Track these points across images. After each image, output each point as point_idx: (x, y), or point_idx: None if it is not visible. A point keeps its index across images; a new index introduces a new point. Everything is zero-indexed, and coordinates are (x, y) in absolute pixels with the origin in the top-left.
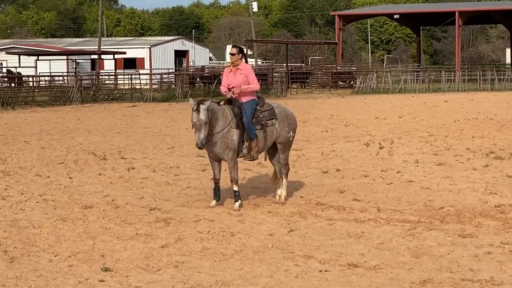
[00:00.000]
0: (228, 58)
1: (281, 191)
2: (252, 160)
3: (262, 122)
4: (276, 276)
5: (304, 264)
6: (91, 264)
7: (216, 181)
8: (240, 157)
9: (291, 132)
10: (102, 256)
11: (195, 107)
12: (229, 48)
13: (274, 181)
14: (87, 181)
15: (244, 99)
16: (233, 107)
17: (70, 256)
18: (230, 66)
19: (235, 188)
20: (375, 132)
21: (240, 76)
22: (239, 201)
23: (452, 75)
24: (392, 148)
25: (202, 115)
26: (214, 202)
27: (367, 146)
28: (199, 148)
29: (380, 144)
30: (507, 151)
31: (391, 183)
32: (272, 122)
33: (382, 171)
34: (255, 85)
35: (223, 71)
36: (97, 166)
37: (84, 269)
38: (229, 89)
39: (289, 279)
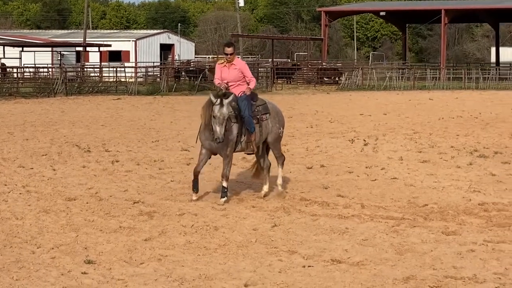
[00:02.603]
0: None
1: (278, 180)
2: (252, 153)
3: (258, 116)
4: (259, 271)
5: (287, 259)
6: (74, 256)
7: (197, 174)
8: (238, 151)
9: (281, 128)
10: (85, 248)
11: (217, 101)
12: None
13: (257, 176)
14: (70, 173)
15: (238, 93)
16: (231, 101)
17: (53, 248)
18: (223, 62)
19: (225, 184)
20: (359, 129)
21: (235, 72)
22: (225, 197)
23: (437, 73)
24: (376, 145)
25: (226, 109)
26: (195, 195)
27: (352, 143)
28: (219, 142)
29: (364, 140)
30: (491, 150)
31: (375, 180)
32: (266, 117)
33: (366, 167)
34: (253, 80)
35: (209, 65)
36: (81, 158)
37: (67, 261)
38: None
39: (272, 274)
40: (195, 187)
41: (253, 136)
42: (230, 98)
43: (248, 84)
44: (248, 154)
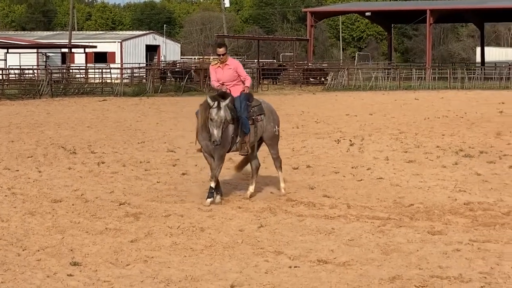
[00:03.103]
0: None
1: (281, 184)
2: (247, 154)
3: (253, 117)
4: (245, 271)
5: (273, 260)
6: (60, 258)
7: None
8: (232, 151)
9: (276, 127)
10: (71, 250)
11: (215, 104)
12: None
13: (240, 169)
14: (56, 175)
15: (236, 94)
16: (228, 102)
17: (38, 250)
18: (217, 63)
19: (213, 184)
20: (345, 129)
21: (229, 71)
22: (211, 199)
23: (423, 73)
24: (362, 145)
25: (223, 112)
26: (209, 201)
27: (338, 143)
28: (217, 145)
29: (350, 141)
30: (477, 149)
31: (361, 180)
32: (261, 118)
33: (352, 167)
34: (248, 78)
35: (195, 66)
36: (66, 160)
37: (52, 263)
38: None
39: (259, 275)
40: (218, 190)
41: (247, 137)
42: (227, 100)
43: (243, 83)
44: (242, 155)
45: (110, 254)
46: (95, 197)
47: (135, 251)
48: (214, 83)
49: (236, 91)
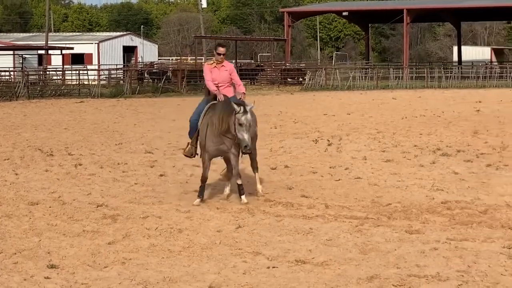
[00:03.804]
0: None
1: (257, 185)
2: (249, 153)
3: None
4: (223, 272)
5: (252, 260)
6: (37, 261)
7: (206, 180)
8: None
9: (256, 127)
10: (48, 253)
11: (241, 109)
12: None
13: (228, 178)
14: (33, 178)
15: (231, 95)
16: (253, 106)
17: (15, 253)
18: (212, 62)
19: (239, 181)
20: (323, 129)
21: (225, 73)
22: (244, 194)
23: (400, 72)
24: (340, 145)
25: (250, 116)
26: (198, 200)
27: (316, 143)
28: (248, 150)
29: (328, 140)
30: (454, 148)
31: (339, 180)
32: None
33: (330, 167)
34: (242, 84)
35: (172, 67)
36: (43, 162)
37: (29, 266)
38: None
39: (237, 275)
40: (202, 193)
41: None
42: (251, 104)
43: (234, 86)
44: (245, 153)
45: (88, 256)
46: (72, 199)
47: (113, 253)
48: (210, 84)
49: (228, 93)
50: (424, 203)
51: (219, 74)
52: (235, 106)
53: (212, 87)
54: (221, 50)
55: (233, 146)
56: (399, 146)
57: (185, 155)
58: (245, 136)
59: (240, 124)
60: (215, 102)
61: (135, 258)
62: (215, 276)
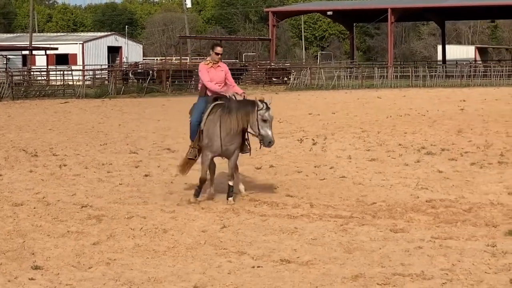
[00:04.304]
0: None
1: (240, 185)
2: (249, 152)
3: None
4: (208, 272)
5: (236, 260)
6: (21, 262)
7: (205, 181)
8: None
9: None
10: (33, 254)
11: (264, 105)
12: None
13: (184, 171)
14: (17, 178)
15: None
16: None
17: None
18: (209, 62)
19: (232, 183)
20: (308, 128)
21: (221, 74)
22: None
23: (385, 71)
24: (325, 144)
25: (271, 111)
26: (194, 199)
27: (301, 142)
28: (272, 146)
29: (313, 140)
30: (438, 147)
31: (324, 179)
32: None
33: (315, 167)
34: (235, 84)
35: (156, 67)
36: (28, 163)
37: (13, 267)
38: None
39: (222, 275)
40: (198, 194)
41: None
42: (270, 100)
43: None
44: (244, 153)
45: (72, 257)
46: (57, 200)
47: (98, 254)
48: (212, 84)
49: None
50: (409, 202)
51: (216, 74)
52: (259, 102)
53: (216, 88)
54: (219, 50)
55: (238, 146)
56: (383, 145)
57: (188, 159)
58: (269, 132)
59: (264, 120)
60: (220, 102)
61: (119, 258)
62: (200, 276)
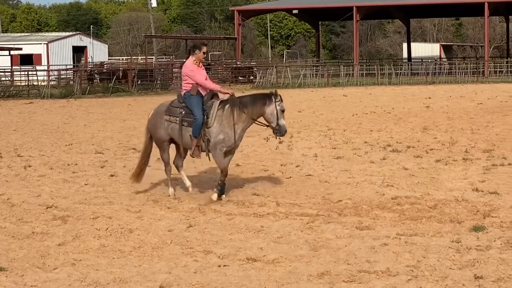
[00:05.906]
0: None
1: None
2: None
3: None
4: (174, 272)
5: (203, 259)
6: None
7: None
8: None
9: None
10: None
11: (278, 97)
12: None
13: (137, 180)
14: None
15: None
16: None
17: None
18: (197, 62)
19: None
20: None
21: (204, 72)
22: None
23: (351, 69)
24: (291, 143)
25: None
26: (216, 195)
27: (267, 141)
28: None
29: (279, 138)
30: (404, 144)
31: (290, 177)
32: None
33: (281, 165)
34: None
35: (122, 67)
36: None
37: None
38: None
39: (188, 274)
40: (223, 190)
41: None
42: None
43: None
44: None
45: (37, 258)
46: (21, 201)
47: (63, 255)
48: (210, 83)
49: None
50: (375, 199)
51: (202, 73)
52: (274, 95)
53: (216, 86)
54: (205, 49)
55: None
56: (349, 143)
57: (192, 157)
58: (284, 122)
59: (283, 111)
60: (226, 99)
61: (85, 259)
62: (166, 276)
